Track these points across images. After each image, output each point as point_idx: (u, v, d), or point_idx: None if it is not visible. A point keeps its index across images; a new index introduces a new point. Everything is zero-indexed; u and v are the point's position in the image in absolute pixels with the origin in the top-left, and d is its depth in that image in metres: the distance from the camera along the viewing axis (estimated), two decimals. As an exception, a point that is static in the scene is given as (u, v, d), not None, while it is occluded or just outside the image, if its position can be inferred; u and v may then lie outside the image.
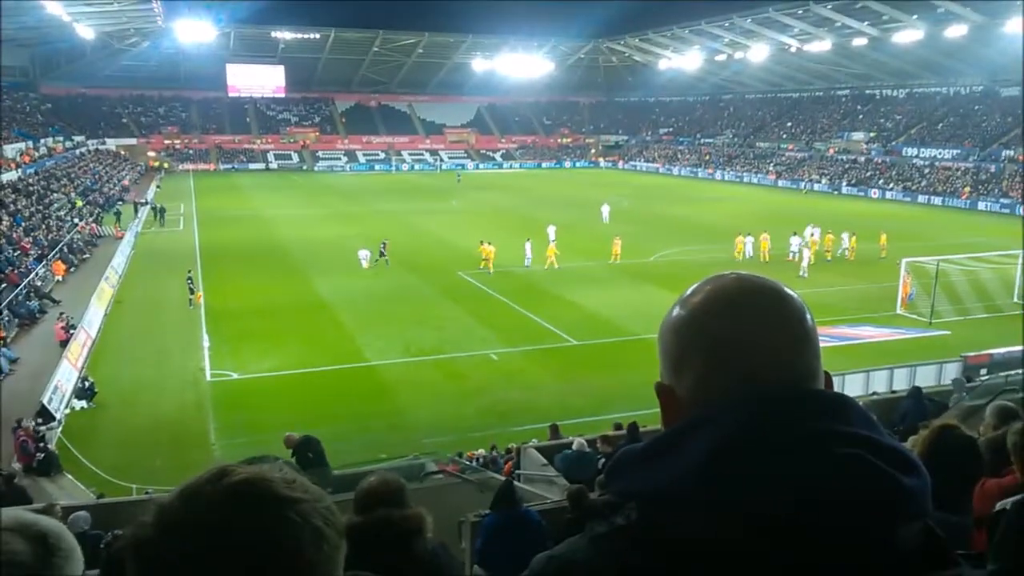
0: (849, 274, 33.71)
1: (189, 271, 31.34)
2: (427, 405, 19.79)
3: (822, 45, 77.19)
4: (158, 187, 67.62)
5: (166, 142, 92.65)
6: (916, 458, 0.99)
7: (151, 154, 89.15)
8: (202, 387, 21.00)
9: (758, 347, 1.05)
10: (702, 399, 1.06)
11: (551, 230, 39.56)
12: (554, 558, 1.05)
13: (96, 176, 64.44)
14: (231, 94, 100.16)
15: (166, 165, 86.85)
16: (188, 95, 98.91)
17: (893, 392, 16.80)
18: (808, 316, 1.09)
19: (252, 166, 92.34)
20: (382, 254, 35.35)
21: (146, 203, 55.17)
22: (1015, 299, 28.43)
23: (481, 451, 15.65)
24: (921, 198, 63.39)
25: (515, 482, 10.35)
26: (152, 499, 0.93)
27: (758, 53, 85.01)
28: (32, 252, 33.22)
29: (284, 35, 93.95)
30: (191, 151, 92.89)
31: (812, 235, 37.79)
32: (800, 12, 72.01)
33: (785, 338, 1.06)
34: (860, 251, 36.98)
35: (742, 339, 1.05)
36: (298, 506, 0.91)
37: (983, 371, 19.61)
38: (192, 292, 28.99)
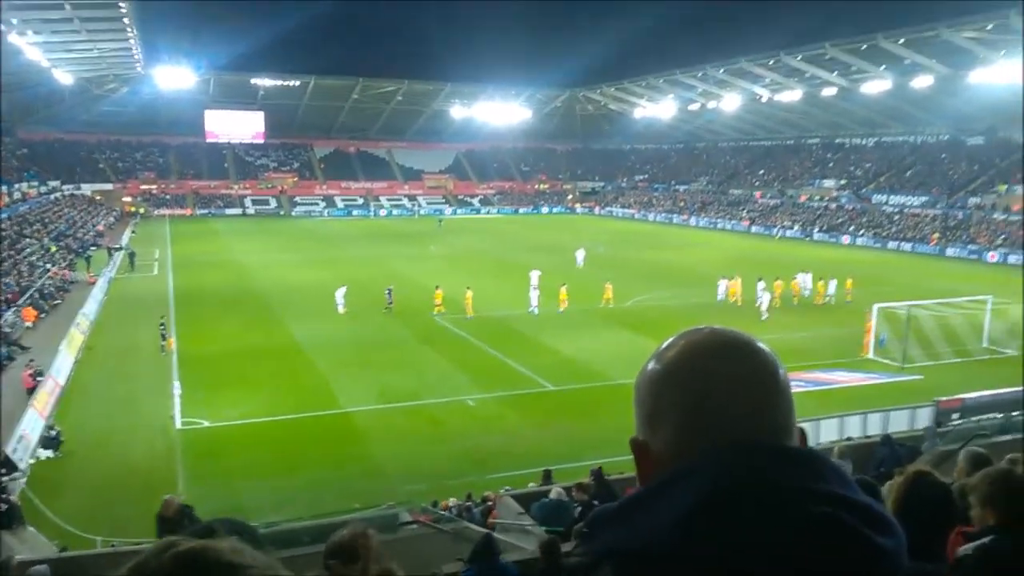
0: (815, 319, 34.01)
1: (162, 317, 31.02)
2: (402, 452, 19.56)
3: (792, 95, 79.11)
4: (133, 232, 67.22)
5: (143, 187, 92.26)
6: (890, 516, 0.98)
7: (127, 199, 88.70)
8: (172, 435, 20.61)
9: (732, 403, 1.05)
10: (676, 454, 1.06)
11: (534, 275, 39.67)
12: None
13: (70, 221, 63.94)
14: (209, 139, 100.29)
15: (142, 210, 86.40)
16: (166, 140, 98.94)
17: (867, 437, 16.89)
18: (781, 371, 1.09)
19: (229, 211, 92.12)
20: (389, 301, 35.39)
21: (120, 248, 54.74)
22: (984, 344, 28.84)
23: (453, 500, 15.44)
24: (891, 244, 64.50)
25: (492, 532, 10.21)
26: None
27: (730, 102, 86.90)
28: (1, 298, 32.72)
29: (264, 82, 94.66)
30: (168, 196, 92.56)
31: (803, 282, 38.45)
32: (771, 63, 73.90)
33: (759, 394, 1.06)
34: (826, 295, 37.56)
35: (716, 395, 1.05)
36: (247, 571, 0.90)
37: (955, 415, 19.78)
38: (164, 338, 28.65)
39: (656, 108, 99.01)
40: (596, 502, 12.16)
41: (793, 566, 0.90)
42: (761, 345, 1.10)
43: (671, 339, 1.14)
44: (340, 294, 35.17)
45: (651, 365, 1.13)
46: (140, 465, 18.56)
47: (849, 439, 16.76)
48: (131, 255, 50.27)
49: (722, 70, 79.25)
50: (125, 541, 13.41)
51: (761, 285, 35.59)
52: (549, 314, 34.51)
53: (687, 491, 0.97)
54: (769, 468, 0.98)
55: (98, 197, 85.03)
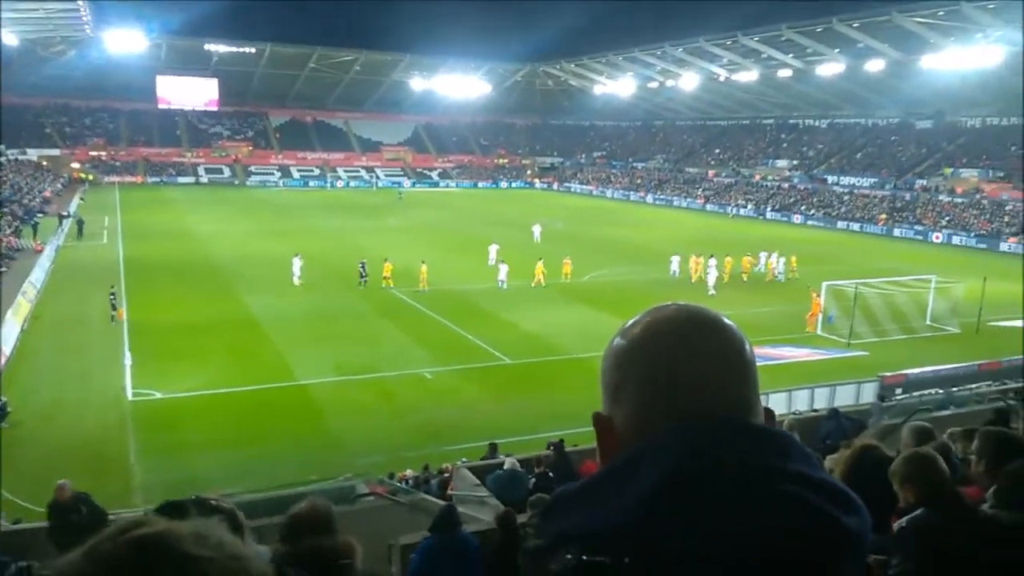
0: (764, 295, 34.70)
1: (112, 286, 30.36)
2: (359, 425, 19.59)
3: (749, 75, 79.95)
4: (82, 199, 65.34)
5: (91, 153, 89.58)
6: (856, 497, 0.98)
7: (75, 165, 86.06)
8: (123, 406, 20.31)
9: (695, 378, 1.05)
10: (637, 429, 1.06)
11: (493, 249, 39.86)
12: None
13: (15, 187, 61.85)
14: (161, 106, 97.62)
15: (91, 177, 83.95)
16: (116, 106, 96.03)
17: (814, 411, 17.42)
18: (747, 348, 1.09)
19: (182, 179, 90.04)
20: (362, 275, 34.63)
21: (68, 216, 53.24)
22: (928, 321, 29.82)
23: (410, 471, 15.55)
24: (840, 224, 65.94)
25: (452, 503, 10.34)
26: (58, 561, 0.86)
27: (689, 81, 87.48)
28: (-57, 265, 31.71)
29: (218, 48, 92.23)
30: (118, 163, 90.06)
31: (768, 260, 39.31)
32: (729, 43, 74.47)
33: (723, 370, 1.06)
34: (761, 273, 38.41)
35: (679, 370, 1.05)
36: (205, 564, 0.83)
37: (898, 390, 20.51)
38: (114, 308, 28.08)
39: (615, 85, 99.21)
40: (552, 474, 12.39)
41: (759, 546, 0.89)
42: (727, 321, 1.10)
43: (638, 315, 1.14)
44: (296, 264, 34.79)
45: (616, 340, 1.13)
46: (90, 437, 18.28)
47: (797, 412, 17.27)
48: (80, 223, 48.96)
49: (681, 49, 79.65)
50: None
51: (712, 262, 36.20)
52: (509, 289, 34.63)
53: (651, 470, 0.96)
54: (734, 446, 0.98)
55: (45, 163, 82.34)
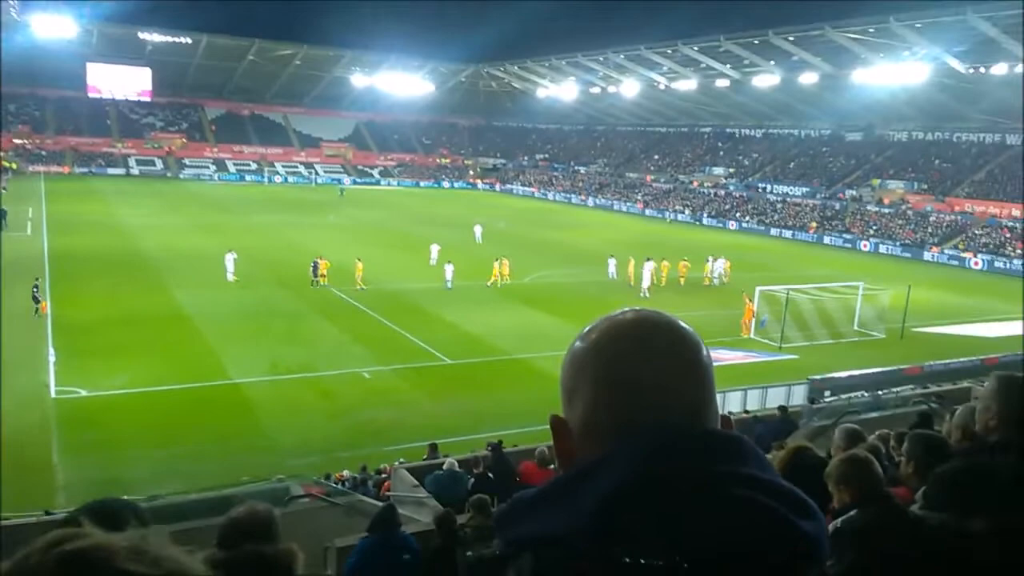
0: (697, 298, 35.27)
1: (36, 279, 29.15)
2: (294, 425, 19.24)
3: (688, 84, 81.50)
4: (4, 189, 62.59)
5: (15, 141, 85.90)
6: (812, 502, 0.98)
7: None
8: (46, 404, 19.53)
9: (651, 383, 1.04)
10: (592, 433, 1.06)
11: (435, 249, 39.68)
12: None
13: (-70, 174, 58.95)
14: (91, 95, 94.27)
15: (14, 166, 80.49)
16: (43, 93, 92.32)
17: (746, 412, 17.83)
18: (704, 353, 1.08)
19: (112, 171, 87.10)
20: (315, 274, 33.92)
21: (-12, 205, 50.91)
22: (855, 327, 30.83)
23: (347, 472, 15.35)
24: (773, 231, 67.68)
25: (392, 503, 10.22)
26: None
27: (630, 88, 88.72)
28: None
29: (152, 37, 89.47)
30: (43, 152, 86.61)
31: (715, 262, 40.10)
32: (669, 51, 75.76)
33: (679, 375, 1.05)
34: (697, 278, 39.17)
35: (635, 374, 1.05)
36: None
37: (827, 393, 21.16)
38: (37, 301, 26.98)
39: (559, 89, 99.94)
40: (491, 475, 12.38)
41: (715, 551, 0.88)
42: (684, 326, 1.10)
43: (596, 320, 1.14)
44: (230, 261, 33.99)
45: (575, 344, 1.12)
46: (11, 436, 17.46)
47: (730, 413, 17.65)
48: (1, 212, 46.87)
49: (622, 55, 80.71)
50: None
51: (648, 265, 36.75)
52: (453, 289, 34.50)
53: (606, 476, 0.95)
54: (689, 452, 0.98)
55: (-37, 150, 78.67)
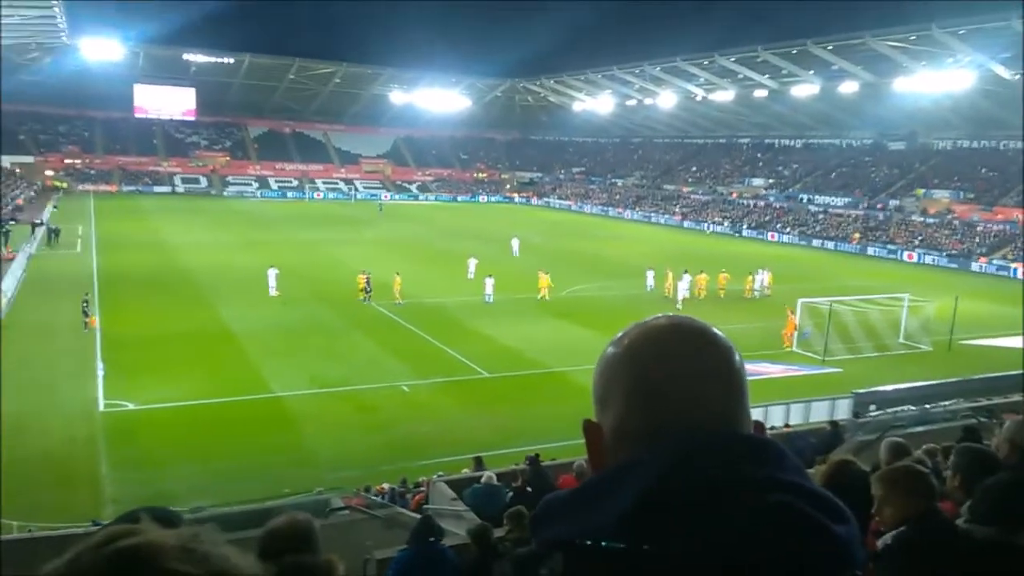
0: (738, 311, 34.73)
1: (86, 294, 29.96)
2: (335, 438, 19.41)
3: (726, 95, 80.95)
4: (55, 207, 64.51)
5: (66, 161, 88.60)
6: (845, 507, 0.98)
7: (49, 173, 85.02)
8: (95, 418, 19.99)
9: (683, 389, 1.05)
10: (624, 438, 1.06)
11: (472, 263, 39.92)
12: None
13: (-15, 194, 60.97)
14: (138, 115, 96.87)
15: (64, 185, 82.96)
16: (92, 114, 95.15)
17: (787, 426, 17.55)
18: (736, 359, 1.08)
19: (157, 189, 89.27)
20: (367, 289, 34.05)
21: (41, 223, 52.50)
22: (901, 339, 30.18)
23: (386, 485, 15.44)
24: (815, 242, 66.71)
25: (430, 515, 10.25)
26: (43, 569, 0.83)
27: (666, 100, 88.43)
28: (-90, 272, 31.08)
29: (196, 58, 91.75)
30: (92, 171, 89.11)
31: (758, 275, 39.72)
32: (705, 63, 75.37)
33: (711, 381, 1.06)
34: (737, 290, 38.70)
35: (666, 380, 1.05)
36: None
37: (872, 407, 20.71)
38: (86, 315, 27.69)
39: (594, 102, 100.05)
40: (530, 488, 12.35)
41: (746, 555, 0.88)
42: (717, 332, 1.10)
43: (629, 326, 1.15)
44: (272, 276, 34.54)
45: (608, 350, 1.13)
46: (61, 449, 17.96)
47: (772, 428, 17.38)
48: (53, 231, 48.30)
49: (659, 68, 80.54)
50: (44, 526, 13.02)
51: (687, 278, 36.66)
52: (489, 303, 34.59)
53: (637, 480, 0.96)
54: (721, 456, 0.97)
55: (17, 170, 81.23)
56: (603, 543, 0.93)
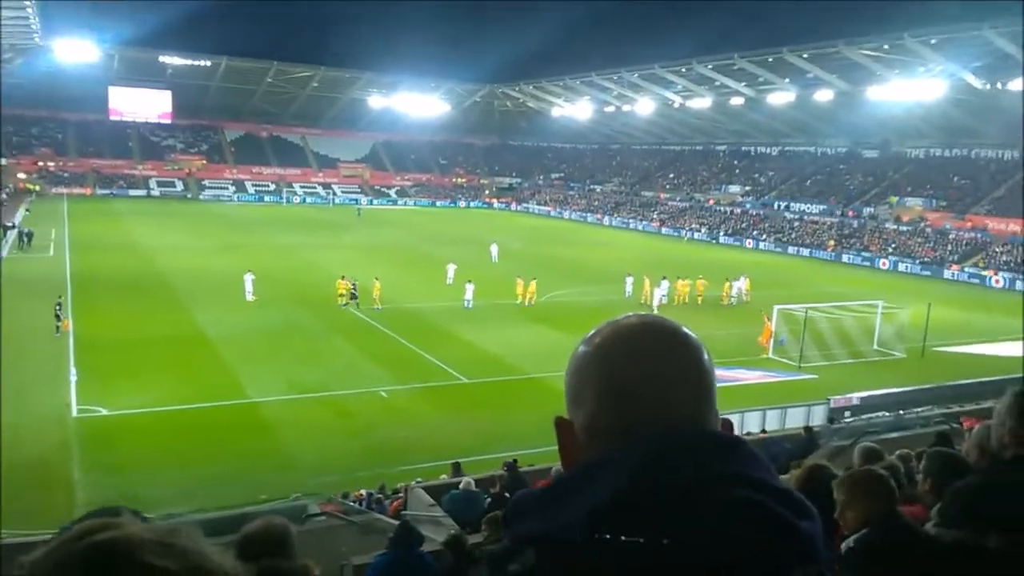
0: (715, 317, 35.06)
1: (59, 297, 29.56)
2: (312, 444, 19.30)
3: (703, 102, 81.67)
4: (27, 210, 63.57)
5: (39, 164, 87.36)
6: (809, 503, 1.00)
7: (21, 176, 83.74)
8: (68, 423, 19.72)
9: (652, 386, 1.07)
10: (595, 434, 1.08)
11: (451, 268, 39.95)
12: None
13: (-45, 196, 59.96)
14: (113, 117, 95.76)
15: (37, 188, 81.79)
16: (65, 116, 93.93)
17: (763, 432, 17.70)
18: (705, 357, 1.12)
19: (132, 192, 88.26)
20: (353, 295, 33.84)
21: (13, 226, 51.72)
22: (875, 346, 30.56)
23: (364, 490, 15.36)
24: (791, 249, 67.37)
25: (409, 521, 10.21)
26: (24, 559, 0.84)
27: (644, 106, 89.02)
28: None
29: (172, 60, 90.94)
30: (66, 174, 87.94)
31: (735, 282, 40.45)
32: (683, 70, 75.98)
33: (680, 379, 1.08)
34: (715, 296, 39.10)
35: (636, 377, 1.07)
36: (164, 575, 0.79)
37: (847, 413, 20.96)
38: (59, 319, 27.32)
39: (573, 108, 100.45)
40: (508, 494, 12.36)
41: (715, 549, 0.90)
42: (686, 331, 1.13)
43: (601, 324, 1.17)
44: (248, 281, 34.29)
45: (580, 348, 1.15)
46: (33, 454, 17.67)
47: (748, 434, 17.52)
48: (26, 234, 47.59)
49: (636, 74, 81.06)
50: (14, 533, 12.80)
51: (664, 284, 37.25)
52: (462, 308, 34.56)
53: (606, 477, 0.98)
54: (690, 453, 1.00)
55: (-12, 172, 79.98)
56: (574, 538, 0.94)
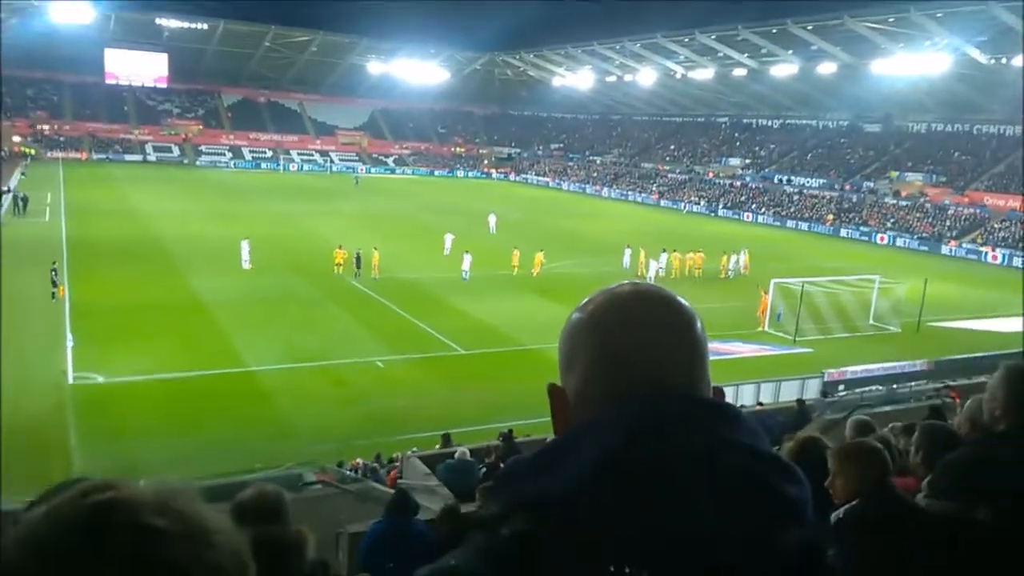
0: (712, 290, 34.95)
1: (54, 263, 29.45)
2: (309, 412, 19.37)
3: (705, 73, 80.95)
4: (23, 175, 63.17)
5: (34, 127, 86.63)
6: (796, 468, 1.01)
7: (16, 139, 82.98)
8: (64, 390, 19.77)
9: (644, 353, 1.08)
10: (587, 401, 1.09)
11: (448, 238, 39.87)
12: (437, 571, 1.02)
13: (-50, 159, 59.53)
14: (108, 80, 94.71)
15: (32, 151, 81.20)
16: (61, 78, 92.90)
17: (759, 404, 17.80)
18: (697, 325, 1.12)
19: (128, 157, 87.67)
20: (357, 265, 33.59)
21: (8, 191, 51.38)
22: (871, 320, 30.63)
23: (359, 460, 15.46)
24: (789, 223, 67.22)
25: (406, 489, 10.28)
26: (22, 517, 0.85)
27: (646, 77, 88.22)
28: None
29: (169, 23, 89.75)
30: (62, 138, 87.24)
31: (734, 256, 40.46)
32: (686, 40, 75.25)
33: (672, 346, 1.09)
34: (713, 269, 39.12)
35: (628, 341, 1.09)
36: (160, 539, 0.80)
37: (841, 387, 21.09)
38: (55, 284, 27.26)
39: (574, 78, 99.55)
40: (503, 464, 12.44)
41: (703, 514, 0.92)
42: (679, 299, 1.14)
43: (595, 292, 1.18)
44: (245, 248, 34.20)
45: (573, 315, 1.17)
46: (29, 421, 17.71)
47: (743, 407, 17.62)
48: (22, 199, 47.29)
49: (639, 44, 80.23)
50: (10, 499, 12.87)
51: (663, 257, 37.21)
52: (460, 279, 34.52)
53: (596, 441, 0.99)
54: (677, 417, 1.00)
55: (-18, 135, 79.35)
56: (564, 502, 0.95)
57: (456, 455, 12.33)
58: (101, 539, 0.79)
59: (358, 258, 34.00)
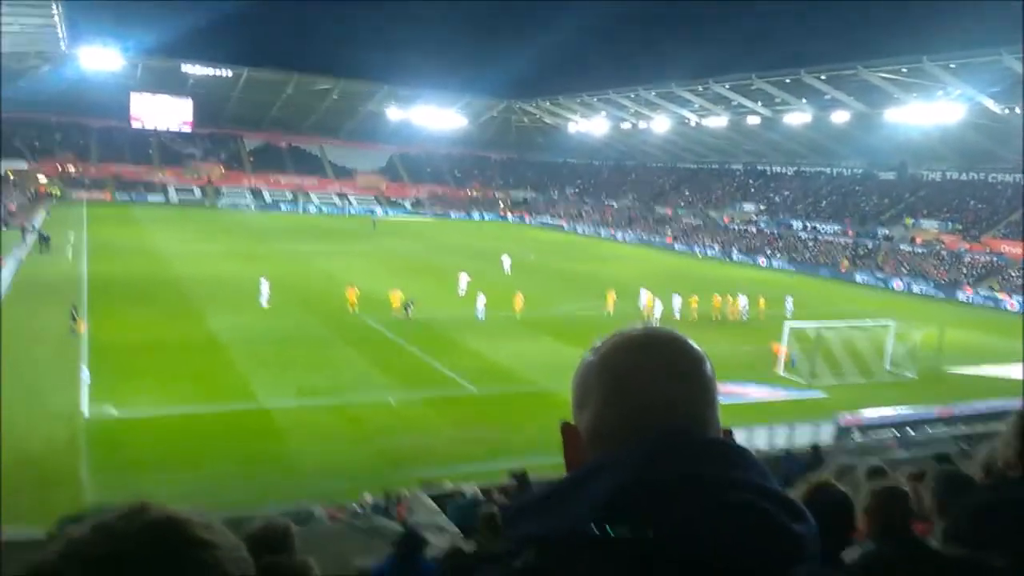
0: (727, 334, 34.86)
1: (74, 303, 29.88)
2: (320, 450, 19.39)
3: (719, 121, 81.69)
4: (48, 214, 64.38)
5: (60, 168, 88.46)
6: (803, 506, 1.03)
7: (43, 179, 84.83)
8: (78, 424, 19.93)
9: (656, 394, 1.11)
10: (599, 441, 1.12)
11: (463, 278, 40.08)
12: None
13: (-23, 198, 60.82)
14: (134, 124, 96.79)
15: (58, 192, 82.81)
16: (87, 122, 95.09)
17: (785, 451, 17.65)
18: (707, 367, 1.16)
19: (151, 198, 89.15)
20: (406, 308, 33.87)
21: (33, 229, 52.41)
22: (887, 366, 30.35)
23: (369, 496, 15.42)
24: (804, 268, 67.05)
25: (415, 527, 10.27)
26: (64, 531, 0.88)
27: (660, 124, 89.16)
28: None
29: (194, 70, 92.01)
30: (87, 179, 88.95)
31: (738, 300, 40.27)
32: (699, 88, 76.11)
33: (683, 387, 1.12)
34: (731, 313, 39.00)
35: (639, 381, 1.12)
36: (213, 551, 0.87)
37: (855, 432, 20.87)
38: (74, 319, 27.64)
39: (589, 124, 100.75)
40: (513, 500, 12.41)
41: (712, 552, 0.93)
42: (687, 341, 1.18)
43: (607, 335, 1.22)
44: (264, 287, 34.59)
45: (587, 357, 1.21)
46: (43, 454, 17.88)
47: (757, 451, 17.49)
48: (44, 237, 48.18)
49: (653, 92, 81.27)
50: (20, 529, 12.95)
51: (677, 300, 37.29)
52: (474, 319, 34.64)
53: (608, 478, 1.01)
54: (688, 457, 1.03)
55: (11, 175, 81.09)
56: (573, 539, 0.97)
57: (467, 494, 12.33)
58: (163, 552, 0.83)
59: (408, 304, 34.06)
